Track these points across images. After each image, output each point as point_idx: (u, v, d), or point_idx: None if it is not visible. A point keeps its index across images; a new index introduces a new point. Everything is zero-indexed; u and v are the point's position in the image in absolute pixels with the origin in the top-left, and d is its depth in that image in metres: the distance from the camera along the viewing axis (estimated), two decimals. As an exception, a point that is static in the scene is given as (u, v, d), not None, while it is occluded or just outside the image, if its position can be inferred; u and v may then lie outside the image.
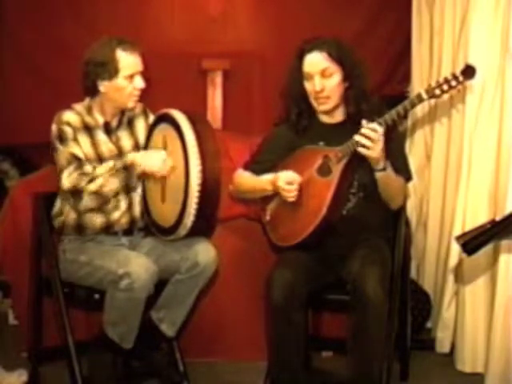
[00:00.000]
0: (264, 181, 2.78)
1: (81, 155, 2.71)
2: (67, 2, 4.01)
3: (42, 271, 2.92)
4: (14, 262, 3.14)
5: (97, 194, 2.68)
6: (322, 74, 2.69)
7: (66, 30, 3.97)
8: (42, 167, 3.31)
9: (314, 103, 2.76)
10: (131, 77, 2.72)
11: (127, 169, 2.69)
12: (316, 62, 2.70)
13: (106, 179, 2.67)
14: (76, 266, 2.78)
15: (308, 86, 2.73)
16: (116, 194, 2.75)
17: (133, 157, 2.71)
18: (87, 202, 2.70)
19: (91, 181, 2.66)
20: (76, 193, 2.68)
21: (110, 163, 2.70)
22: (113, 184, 2.69)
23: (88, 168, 2.70)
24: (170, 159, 2.69)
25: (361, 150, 2.56)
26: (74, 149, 2.71)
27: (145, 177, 2.79)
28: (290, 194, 2.68)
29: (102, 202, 2.73)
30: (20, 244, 3.08)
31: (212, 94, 3.98)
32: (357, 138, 2.55)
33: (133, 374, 2.93)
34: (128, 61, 2.70)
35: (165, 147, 2.74)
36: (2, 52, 3.94)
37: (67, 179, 2.68)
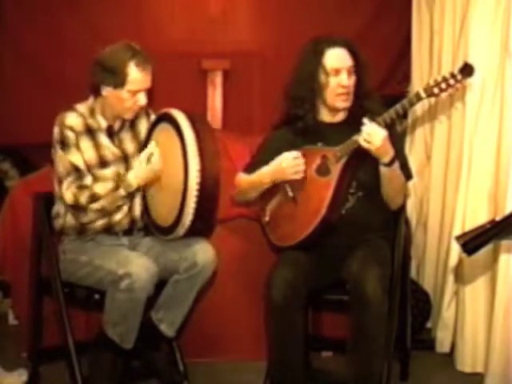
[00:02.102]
0: (261, 173, 2.76)
1: (81, 164, 2.71)
2: (68, 2, 4.01)
3: (42, 271, 2.92)
4: (14, 262, 3.14)
5: (99, 211, 2.72)
6: (348, 71, 2.71)
7: (67, 29, 3.96)
8: (42, 167, 3.30)
9: (334, 99, 2.74)
10: (136, 92, 2.70)
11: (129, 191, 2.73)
12: (343, 57, 2.72)
13: (107, 201, 2.69)
14: (76, 266, 2.78)
15: (331, 80, 2.71)
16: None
17: (135, 181, 2.70)
18: (91, 216, 2.74)
19: (93, 200, 2.68)
20: (78, 208, 2.71)
21: (110, 184, 2.70)
22: (115, 202, 2.72)
23: (87, 180, 2.71)
24: (155, 150, 2.69)
25: (362, 143, 2.56)
26: (75, 157, 2.70)
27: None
28: (299, 168, 2.68)
29: (106, 214, 2.76)
30: (20, 244, 3.08)
31: (212, 94, 3.98)
32: (364, 128, 2.57)
33: (133, 374, 2.93)
34: (137, 77, 2.68)
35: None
36: (2, 52, 3.94)
37: (67, 192, 2.69)
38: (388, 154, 2.60)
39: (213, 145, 2.66)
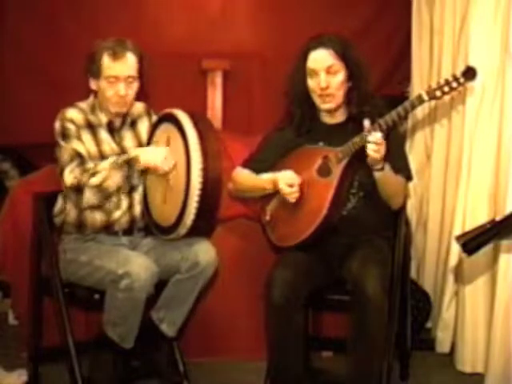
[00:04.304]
0: (264, 180, 2.78)
1: (83, 152, 2.73)
2: (67, 1, 4.01)
3: (42, 271, 2.92)
4: (14, 262, 3.14)
5: (99, 188, 2.68)
6: (327, 71, 2.69)
7: (67, 29, 3.97)
8: (42, 167, 3.30)
9: (318, 101, 2.75)
10: (113, 81, 2.72)
11: (129, 164, 2.70)
12: (322, 58, 2.69)
13: (108, 173, 2.68)
14: (76, 266, 2.78)
15: (312, 82, 2.72)
16: (118, 189, 2.75)
17: (135, 151, 2.73)
18: (89, 198, 2.71)
19: (93, 175, 2.67)
20: (78, 189, 2.70)
21: (112, 158, 2.71)
22: (115, 178, 2.69)
23: (90, 165, 2.71)
24: (171, 157, 2.70)
25: (370, 153, 2.54)
26: (77, 146, 2.73)
27: (147, 173, 2.79)
28: (292, 195, 2.68)
29: (104, 197, 2.74)
30: (20, 244, 3.08)
31: (212, 94, 3.97)
32: (370, 139, 2.55)
33: (133, 374, 2.93)
34: (109, 65, 2.72)
35: (168, 145, 2.74)
36: (2, 52, 3.94)
37: (69, 175, 2.69)
38: (381, 159, 2.61)
39: (215, 144, 2.67)
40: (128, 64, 2.74)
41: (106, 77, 2.73)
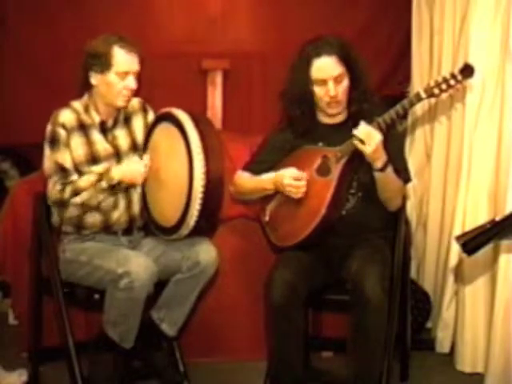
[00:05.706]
0: (265, 180, 2.78)
1: (68, 164, 2.72)
2: (67, 2, 4.01)
3: (42, 271, 2.92)
4: (14, 262, 3.15)
5: (81, 205, 2.73)
6: (335, 80, 2.68)
7: (66, 30, 3.97)
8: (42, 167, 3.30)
9: (324, 107, 2.74)
10: (124, 75, 2.71)
11: (112, 185, 2.72)
12: (328, 67, 2.68)
13: (90, 194, 2.70)
14: (76, 266, 2.78)
15: (319, 91, 2.71)
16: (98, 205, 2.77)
17: (118, 175, 2.71)
18: (72, 212, 2.75)
19: (75, 193, 2.69)
20: (61, 204, 2.73)
21: (93, 176, 2.71)
22: (97, 197, 2.73)
23: (73, 177, 2.72)
24: (146, 158, 2.75)
25: (357, 144, 2.56)
26: (64, 156, 2.72)
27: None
28: (299, 190, 2.68)
29: (87, 210, 2.76)
30: (20, 244, 3.08)
31: (212, 94, 3.97)
32: (354, 131, 2.57)
33: (133, 374, 2.93)
34: (123, 58, 2.70)
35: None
36: (2, 52, 3.94)
37: (52, 191, 2.72)
38: (381, 159, 2.61)
39: (217, 143, 2.66)
40: (137, 59, 2.74)
41: (118, 72, 2.70)
